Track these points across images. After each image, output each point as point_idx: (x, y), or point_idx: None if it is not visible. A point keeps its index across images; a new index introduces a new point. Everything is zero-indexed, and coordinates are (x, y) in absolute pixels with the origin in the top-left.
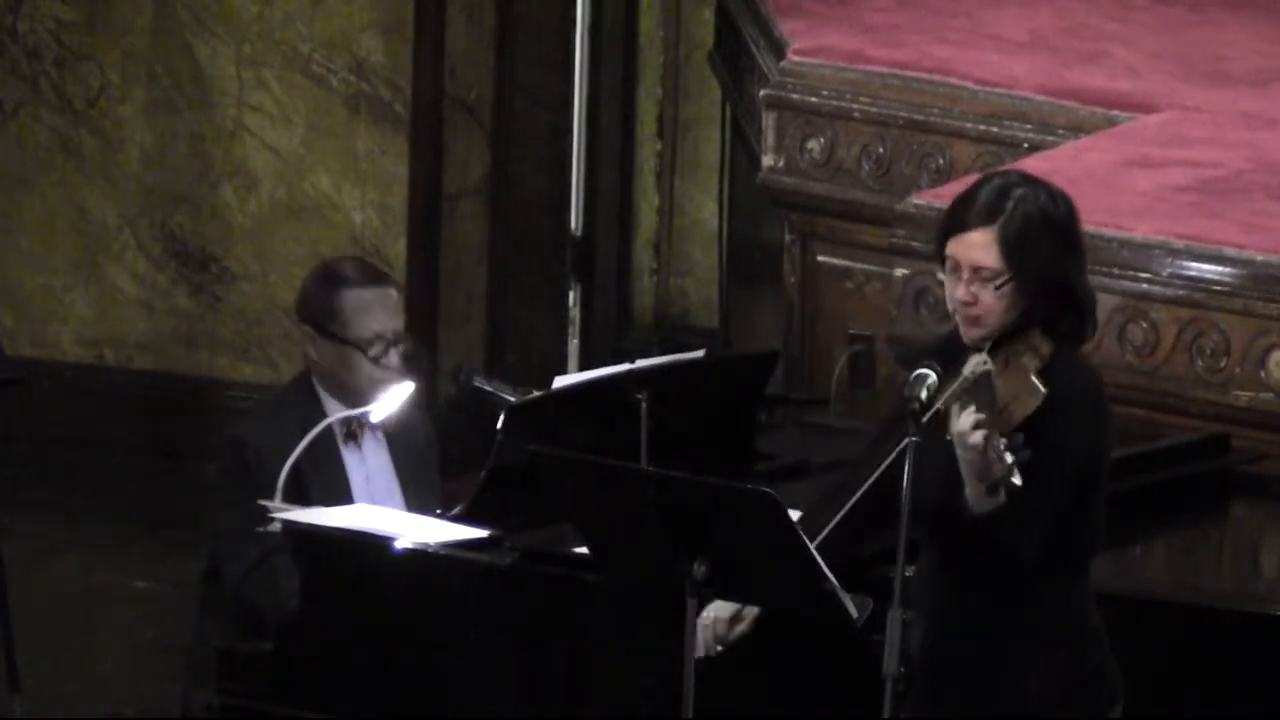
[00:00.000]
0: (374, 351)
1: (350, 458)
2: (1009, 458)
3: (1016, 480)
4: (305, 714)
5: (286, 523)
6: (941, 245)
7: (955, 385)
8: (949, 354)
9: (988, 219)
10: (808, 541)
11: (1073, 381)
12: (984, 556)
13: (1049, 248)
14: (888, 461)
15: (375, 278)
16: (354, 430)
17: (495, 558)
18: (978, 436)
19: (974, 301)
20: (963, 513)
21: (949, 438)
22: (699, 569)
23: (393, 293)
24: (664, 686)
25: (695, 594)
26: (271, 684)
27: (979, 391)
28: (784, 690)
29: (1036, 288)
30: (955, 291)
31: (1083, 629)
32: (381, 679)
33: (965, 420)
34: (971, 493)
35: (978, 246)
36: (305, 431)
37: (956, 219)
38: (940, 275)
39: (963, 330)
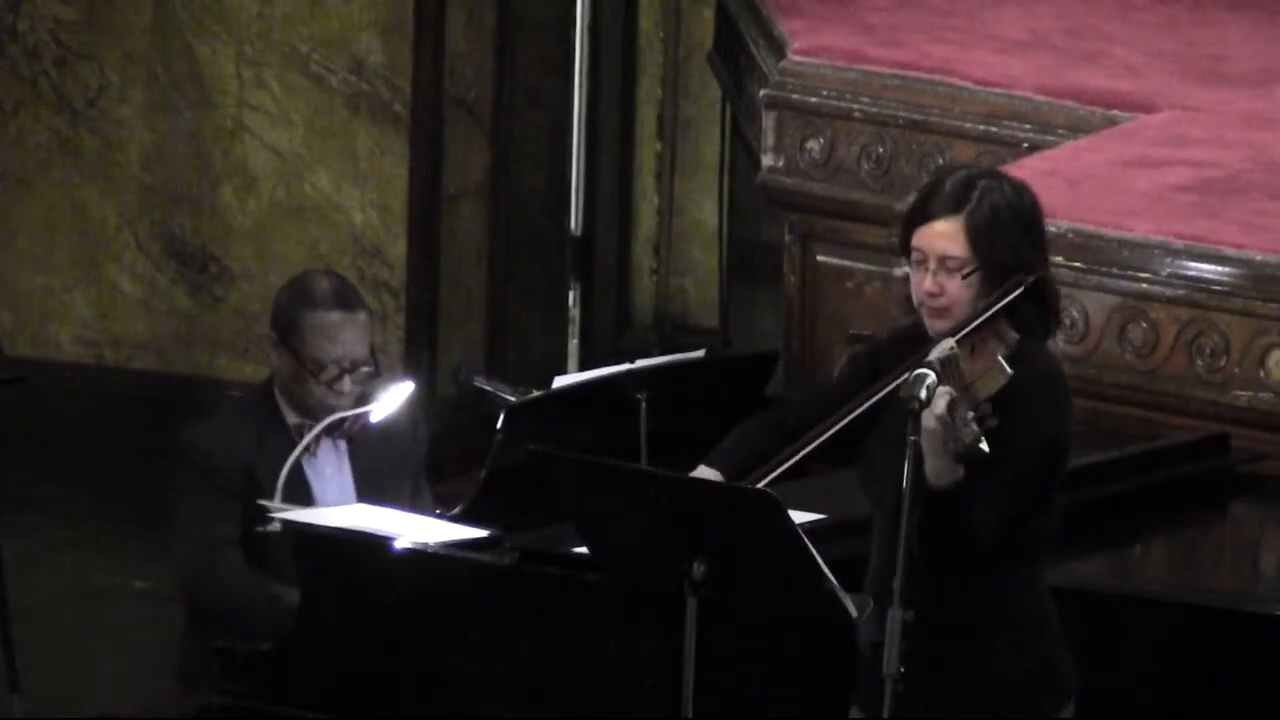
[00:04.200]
0: (325, 376)
1: (308, 466)
2: (975, 426)
3: (984, 447)
4: (305, 714)
5: (286, 523)
6: (906, 238)
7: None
8: (909, 347)
9: (954, 208)
10: (807, 541)
11: (1037, 369)
12: (944, 538)
13: (1014, 238)
14: (856, 413)
15: (345, 301)
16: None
17: (495, 558)
18: (942, 404)
19: (940, 292)
20: (923, 491)
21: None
22: (699, 569)
23: (361, 318)
24: (664, 686)
25: (695, 594)
26: (271, 684)
27: (946, 374)
28: (782, 690)
29: (1001, 278)
30: (922, 284)
31: (1037, 616)
32: (381, 679)
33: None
34: (935, 466)
35: (944, 236)
36: (263, 437)
37: (922, 210)
38: (905, 268)
39: (928, 323)
